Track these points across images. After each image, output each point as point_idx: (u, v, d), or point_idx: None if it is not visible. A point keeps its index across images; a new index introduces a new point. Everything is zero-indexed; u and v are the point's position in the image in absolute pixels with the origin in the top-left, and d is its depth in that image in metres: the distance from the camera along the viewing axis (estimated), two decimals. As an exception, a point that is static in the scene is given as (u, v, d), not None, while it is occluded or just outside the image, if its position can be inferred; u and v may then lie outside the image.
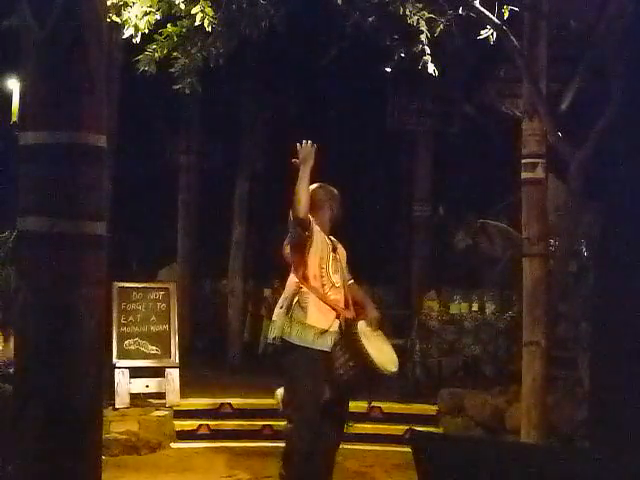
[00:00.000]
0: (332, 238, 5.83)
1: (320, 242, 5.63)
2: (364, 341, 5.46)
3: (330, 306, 5.58)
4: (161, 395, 8.38)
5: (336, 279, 5.66)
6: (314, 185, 5.71)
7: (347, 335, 5.51)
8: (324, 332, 5.51)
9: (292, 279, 5.67)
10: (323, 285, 5.59)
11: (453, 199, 12.13)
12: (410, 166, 12.50)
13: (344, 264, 5.84)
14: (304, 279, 5.57)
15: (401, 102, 11.59)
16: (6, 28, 7.16)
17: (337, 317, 5.59)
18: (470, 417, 7.96)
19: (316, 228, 5.62)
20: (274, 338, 5.59)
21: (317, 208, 5.69)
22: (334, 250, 5.73)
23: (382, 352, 5.58)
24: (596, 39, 6.13)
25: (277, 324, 5.60)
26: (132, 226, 12.50)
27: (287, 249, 5.72)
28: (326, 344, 5.51)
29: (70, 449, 3.72)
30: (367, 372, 5.47)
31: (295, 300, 5.57)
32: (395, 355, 5.70)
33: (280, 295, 5.82)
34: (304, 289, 5.57)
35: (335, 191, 5.84)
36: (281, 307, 5.63)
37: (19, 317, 3.84)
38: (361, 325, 5.59)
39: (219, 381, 9.87)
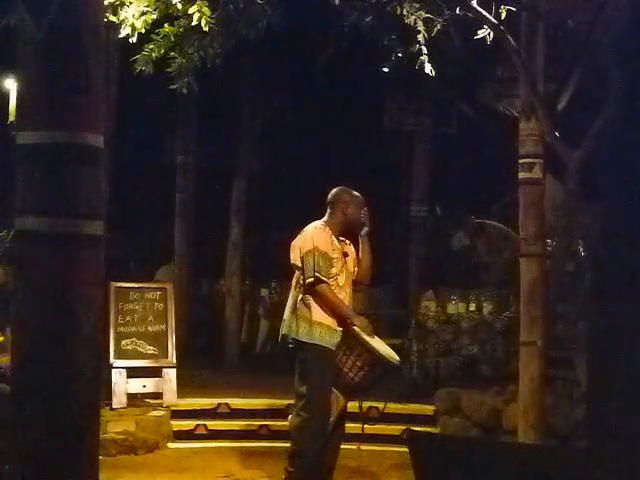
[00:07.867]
0: (342, 240, 5.87)
1: (331, 251, 5.68)
2: (366, 337, 5.52)
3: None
4: (158, 395, 8.38)
5: (340, 279, 5.73)
6: (336, 188, 5.87)
7: (347, 337, 5.55)
8: (330, 329, 5.58)
9: (298, 276, 5.72)
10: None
11: (451, 199, 12.14)
12: (408, 166, 12.51)
13: (353, 262, 5.89)
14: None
15: (399, 102, 11.62)
16: (3, 27, 7.16)
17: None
18: (467, 417, 7.96)
19: (328, 239, 5.68)
20: (283, 335, 5.71)
21: (334, 209, 5.81)
22: (345, 255, 5.80)
23: (382, 345, 5.68)
24: (594, 39, 6.12)
25: (285, 322, 5.73)
26: (129, 226, 12.50)
27: (296, 260, 5.72)
28: (332, 342, 5.58)
29: (67, 449, 3.71)
30: (377, 367, 5.56)
31: (300, 297, 5.65)
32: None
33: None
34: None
35: (354, 194, 5.88)
36: (289, 305, 5.75)
37: (17, 317, 3.84)
38: (356, 327, 5.65)
39: (216, 381, 9.87)
